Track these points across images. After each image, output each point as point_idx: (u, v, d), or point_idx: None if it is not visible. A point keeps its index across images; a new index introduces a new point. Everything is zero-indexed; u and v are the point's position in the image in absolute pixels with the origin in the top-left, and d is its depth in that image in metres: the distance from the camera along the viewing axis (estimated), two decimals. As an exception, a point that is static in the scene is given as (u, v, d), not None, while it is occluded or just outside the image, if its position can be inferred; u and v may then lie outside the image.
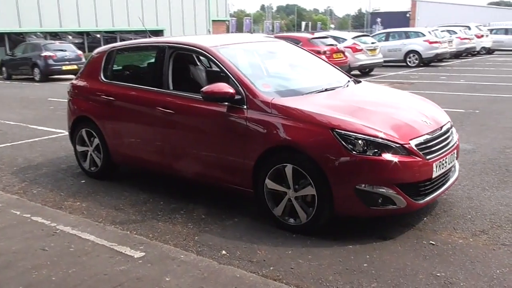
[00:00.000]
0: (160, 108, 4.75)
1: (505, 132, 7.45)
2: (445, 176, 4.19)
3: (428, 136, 3.98)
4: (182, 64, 5.40)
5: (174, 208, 4.70)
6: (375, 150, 3.70)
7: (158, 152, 4.94)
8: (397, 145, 3.74)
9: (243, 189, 4.32)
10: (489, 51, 27.43)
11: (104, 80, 5.52)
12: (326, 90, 4.59)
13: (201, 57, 5.68)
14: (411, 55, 19.99)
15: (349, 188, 3.73)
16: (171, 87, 4.84)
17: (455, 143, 4.34)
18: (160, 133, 4.85)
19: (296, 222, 4.03)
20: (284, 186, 4.04)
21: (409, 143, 3.79)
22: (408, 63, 20.06)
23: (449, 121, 4.48)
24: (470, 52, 25.29)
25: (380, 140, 3.72)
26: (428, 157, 3.84)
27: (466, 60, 23.55)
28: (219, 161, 4.44)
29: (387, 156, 3.69)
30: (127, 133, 5.23)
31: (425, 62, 20.06)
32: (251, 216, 4.41)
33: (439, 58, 20.63)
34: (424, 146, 3.88)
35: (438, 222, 4.17)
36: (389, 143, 3.73)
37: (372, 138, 3.72)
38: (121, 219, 4.47)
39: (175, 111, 4.65)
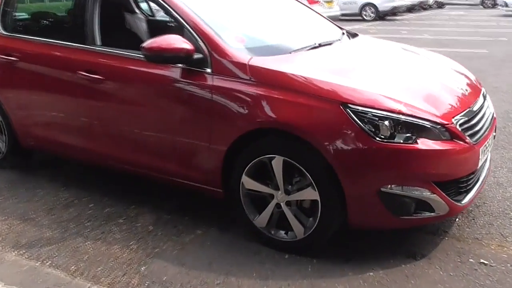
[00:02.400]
0: (83, 73, 3.29)
1: (497, 93, 6.49)
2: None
3: (469, 111, 2.81)
4: (115, 10, 3.91)
5: (110, 214, 3.34)
6: (408, 135, 2.49)
7: (82, 135, 3.50)
8: (438, 126, 2.54)
9: (209, 189, 3.02)
10: (440, 4, 26.97)
11: (3, 32, 3.94)
12: (320, 45, 3.29)
13: None
14: (367, 8, 18.91)
15: (370, 191, 2.52)
16: (98, 42, 3.38)
17: (493, 115, 3.20)
18: (84, 108, 3.41)
19: (288, 237, 2.80)
20: (270, 187, 2.79)
21: (453, 122, 2.60)
22: (364, 16, 18.99)
23: (482, 86, 3.33)
24: (422, 6, 24.63)
25: (415, 119, 2.51)
26: (473, 140, 2.68)
27: (420, 14, 22.80)
28: (172, 149, 3.09)
29: (425, 143, 2.49)
30: (38, 107, 3.73)
31: (381, 15, 19.09)
32: (222, 225, 3.14)
33: (394, 12, 19.72)
34: (467, 125, 2.71)
35: (475, 224, 3.08)
36: (428, 123, 2.52)
37: (404, 117, 2.50)
38: (29, 237, 3.07)
39: (104, 77, 3.22)
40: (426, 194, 2.54)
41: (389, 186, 2.50)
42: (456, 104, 2.80)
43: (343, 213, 2.61)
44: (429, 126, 2.52)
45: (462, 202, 2.70)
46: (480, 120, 2.85)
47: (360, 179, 2.52)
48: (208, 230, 3.09)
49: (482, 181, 2.95)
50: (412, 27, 16.26)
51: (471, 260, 2.70)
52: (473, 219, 3.13)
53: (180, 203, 3.44)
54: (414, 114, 2.52)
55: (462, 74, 3.31)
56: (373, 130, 2.47)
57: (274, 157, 2.68)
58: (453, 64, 3.54)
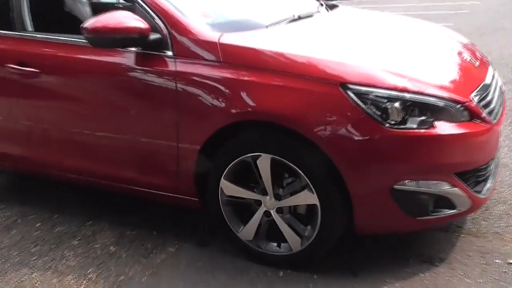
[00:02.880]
0: (13, 66, 2.67)
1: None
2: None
3: (484, 85, 2.38)
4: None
5: (61, 235, 2.76)
6: (422, 118, 2.03)
7: (18, 141, 2.88)
8: (456, 104, 2.09)
9: (181, 198, 2.49)
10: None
11: None
12: (300, 18, 2.78)
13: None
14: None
15: (381, 190, 2.06)
16: (29, 28, 2.76)
17: (501, 89, 2.79)
18: (18, 108, 2.78)
19: (282, 251, 2.31)
20: (256, 192, 2.29)
21: (471, 99, 2.16)
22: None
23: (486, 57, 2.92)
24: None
25: (429, 98, 2.05)
26: (493, 119, 2.25)
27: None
28: (131, 152, 2.53)
29: (443, 126, 2.04)
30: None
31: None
32: (199, 239, 2.62)
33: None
34: (485, 102, 2.27)
35: (491, 215, 2.68)
36: (443, 102, 2.07)
37: (415, 96, 2.04)
38: (-41, 274, 2.47)
39: (40, 69, 2.61)
40: (446, 188, 2.09)
41: (403, 182, 2.04)
42: (469, 78, 2.36)
43: (348, 217, 2.14)
44: (445, 105, 2.06)
45: (482, 194, 2.27)
46: (494, 95, 2.43)
47: (369, 176, 2.05)
48: (183, 246, 2.57)
49: (497, 168, 2.54)
50: (371, 5, 15.96)
51: (498, 260, 2.29)
52: (487, 210, 2.73)
53: (146, 215, 2.88)
54: (427, 92, 2.06)
55: (465, 44, 2.88)
56: (381, 114, 1.99)
57: (259, 155, 2.18)
58: (452, 33, 3.10)
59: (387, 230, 2.23)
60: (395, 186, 2.04)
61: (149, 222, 2.80)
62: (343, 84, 2.02)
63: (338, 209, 2.12)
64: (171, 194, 2.51)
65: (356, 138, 2.00)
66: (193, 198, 2.46)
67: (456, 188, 2.10)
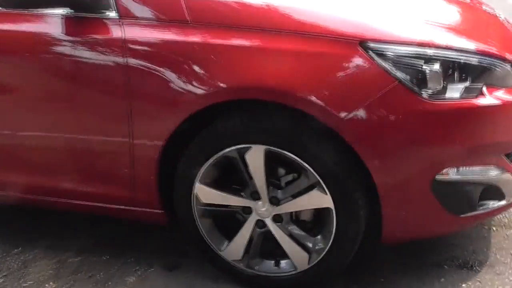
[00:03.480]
0: None
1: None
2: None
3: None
4: None
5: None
6: (467, 84, 1.51)
7: None
8: (506, 64, 1.60)
9: (140, 211, 1.86)
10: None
11: None
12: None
13: None
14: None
15: (418, 183, 1.53)
16: None
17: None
18: None
19: (283, 271, 1.75)
20: (244, 196, 1.71)
21: (515, 57, 1.67)
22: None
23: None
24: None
25: (474, 57, 1.54)
26: None
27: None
28: (68, 155, 1.86)
29: (495, 94, 1.54)
30: None
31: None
32: (167, 262, 2.00)
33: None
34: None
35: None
36: (491, 61, 1.57)
37: (458, 54, 1.52)
38: None
39: None
40: (495, 174, 1.60)
41: (445, 170, 1.53)
42: (507, 35, 1.89)
43: (373, 223, 1.61)
44: (493, 65, 1.56)
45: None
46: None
47: (403, 166, 1.52)
48: (147, 273, 1.94)
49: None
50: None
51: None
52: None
53: (94, 237, 2.22)
54: (472, 49, 1.54)
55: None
56: (416, 81, 1.46)
57: (248, 147, 1.59)
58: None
59: (423, 235, 1.72)
60: (437, 177, 1.52)
61: (99, 245, 2.13)
62: (363, 43, 1.47)
63: (359, 212, 1.58)
64: (125, 207, 1.87)
65: (385, 115, 1.46)
66: (156, 210, 1.84)
67: (508, 173, 1.61)
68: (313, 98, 1.47)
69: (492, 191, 1.63)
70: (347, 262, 1.68)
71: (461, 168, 1.54)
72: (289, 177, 1.66)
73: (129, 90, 1.67)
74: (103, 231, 2.22)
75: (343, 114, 1.46)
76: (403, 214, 1.58)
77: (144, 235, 2.16)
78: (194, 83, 1.57)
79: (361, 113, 1.46)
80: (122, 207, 1.86)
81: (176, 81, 1.59)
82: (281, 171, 1.69)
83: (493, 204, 1.65)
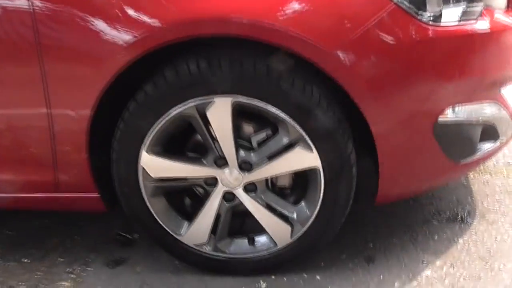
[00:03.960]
0: None
1: None
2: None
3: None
4: None
5: None
6: (463, 6, 1.27)
7: None
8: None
9: (67, 197, 1.44)
10: None
11: None
12: None
13: None
14: None
15: (420, 127, 1.28)
16: None
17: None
18: None
19: (260, 250, 1.44)
20: (206, 164, 1.36)
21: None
22: None
23: None
24: None
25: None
26: None
27: None
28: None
29: (496, 19, 1.31)
30: None
31: None
32: (110, 260, 1.60)
33: None
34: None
35: None
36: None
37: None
38: None
39: None
40: (493, 111, 1.39)
41: (448, 110, 1.29)
42: None
43: (371, 179, 1.35)
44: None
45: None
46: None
47: (403, 107, 1.25)
48: (83, 275, 1.54)
49: None
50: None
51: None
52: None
53: (7, 234, 1.75)
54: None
55: None
56: (413, 3, 1.19)
57: (211, 101, 1.24)
58: None
59: (422, 188, 1.48)
60: (439, 119, 1.28)
61: (15, 246, 1.68)
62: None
63: (351, 170, 1.30)
64: (47, 195, 1.45)
65: (381, 45, 1.18)
66: (90, 195, 1.43)
67: (504, 111, 1.42)
68: (295, 30, 1.14)
69: (488, 132, 1.42)
70: (336, 231, 1.40)
71: (463, 107, 1.31)
72: (261, 135, 1.33)
73: (39, 43, 1.24)
74: (18, 228, 1.76)
75: (332, 48, 1.16)
76: (402, 166, 1.33)
77: (74, 228, 1.74)
78: (120, 27, 1.18)
79: (353, 44, 1.16)
80: (43, 195, 1.43)
81: (95, 27, 1.19)
82: (249, 128, 1.36)
83: (489, 146, 1.45)
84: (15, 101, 1.32)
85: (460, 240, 1.54)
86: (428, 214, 1.68)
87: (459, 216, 1.65)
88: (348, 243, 1.57)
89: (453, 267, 1.43)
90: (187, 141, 1.42)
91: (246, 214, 1.47)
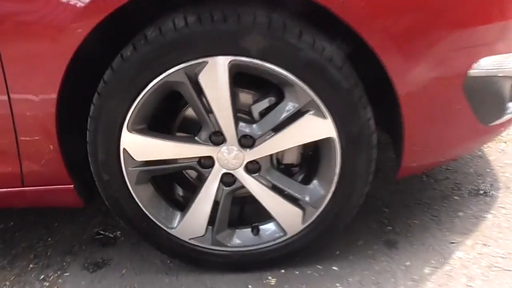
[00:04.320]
0: None
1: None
2: None
3: None
4: None
5: None
6: None
7: None
8: None
9: (36, 191, 1.21)
10: None
11: None
12: None
13: None
14: None
15: (451, 81, 1.09)
16: None
17: None
18: None
19: (266, 240, 1.23)
20: (199, 142, 1.14)
21: None
22: None
23: None
24: None
25: None
26: None
27: None
28: None
29: None
30: None
31: None
32: (88, 258, 1.38)
33: None
34: None
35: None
36: None
37: None
38: None
39: None
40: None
41: (480, 61, 1.11)
42: None
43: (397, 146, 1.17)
44: None
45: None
46: None
47: (431, 60, 1.06)
48: (59, 281, 1.31)
49: None
50: None
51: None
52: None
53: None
54: None
55: None
56: None
57: (204, 63, 1.03)
58: None
59: (448, 156, 1.30)
60: (470, 72, 1.09)
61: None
62: None
63: (370, 137, 1.11)
64: (11, 190, 1.21)
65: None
66: (62, 186, 1.21)
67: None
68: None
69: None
70: (354, 212, 1.21)
71: (494, 57, 1.13)
72: (264, 104, 1.13)
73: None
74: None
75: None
76: (430, 132, 1.14)
77: (46, 229, 1.51)
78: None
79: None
80: (11, 189, 1.20)
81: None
82: (247, 97, 1.16)
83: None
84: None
85: (488, 216, 1.37)
86: (446, 190, 1.50)
87: (481, 190, 1.48)
88: (362, 227, 1.38)
89: (487, 246, 1.26)
90: (174, 120, 1.21)
91: (245, 200, 1.29)
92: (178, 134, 1.21)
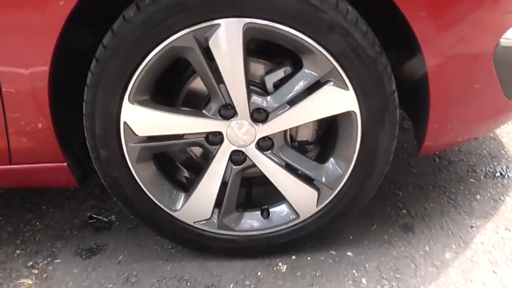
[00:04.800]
0: None
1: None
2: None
3: None
4: None
5: None
6: None
7: None
8: None
9: (25, 169, 1.10)
10: None
11: None
12: None
13: None
14: None
15: (482, 51, 1.01)
16: None
17: None
18: None
19: (278, 223, 1.14)
20: (208, 115, 1.04)
21: None
22: None
23: None
24: None
25: None
26: None
27: None
28: None
29: None
30: None
31: None
32: (81, 244, 1.27)
33: None
34: None
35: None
36: None
37: None
38: None
39: None
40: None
41: (510, 31, 1.03)
42: None
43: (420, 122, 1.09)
44: None
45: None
46: None
47: (460, 28, 0.97)
48: (49, 268, 1.20)
49: None
50: None
51: None
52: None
53: None
54: None
55: None
56: None
57: (216, 26, 0.93)
58: None
59: (470, 135, 1.21)
60: (502, 41, 1.01)
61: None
62: None
63: (395, 112, 1.03)
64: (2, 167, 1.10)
65: None
66: (54, 164, 1.10)
67: None
68: None
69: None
70: (373, 193, 1.12)
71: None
72: (279, 74, 1.03)
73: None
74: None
75: None
76: (457, 107, 1.06)
77: (33, 212, 1.40)
78: None
79: None
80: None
81: None
82: (259, 67, 1.06)
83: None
84: None
85: (508, 199, 1.30)
86: (462, 172, 1.43)
87: (498, 172, 1.42)
88: (376, 210, 1.30)
89: (509, 230, 1.19)
90: (178, 93, 1.11)
91: (252, 181, 1.19)
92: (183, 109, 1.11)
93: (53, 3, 0.91)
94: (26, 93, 1.00)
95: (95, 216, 1.36)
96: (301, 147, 1.13)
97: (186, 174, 1.22)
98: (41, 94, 0.99)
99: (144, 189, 1.09)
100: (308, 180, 1.10)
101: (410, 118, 1.22)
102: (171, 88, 1.11)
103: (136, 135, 1.03)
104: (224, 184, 1.10)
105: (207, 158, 1.11)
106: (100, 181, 1.10)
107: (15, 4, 0.93)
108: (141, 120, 1.02)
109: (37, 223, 1.36)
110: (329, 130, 1.13)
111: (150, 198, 1.10)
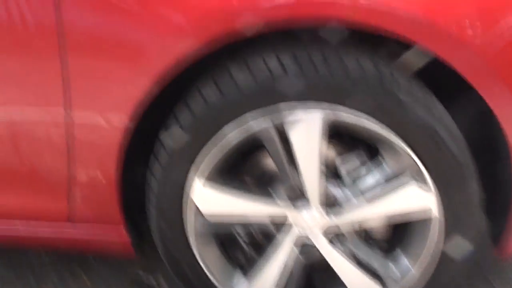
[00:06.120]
0: None
1: None
2: None
3: None
4: None
5: None
6: None
7: None
8: None
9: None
10: None
11: None
12: None
13: None
14: None
15: None
16: None
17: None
18: None
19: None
20: (278, 202, 0.99)
21: None
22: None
23: None
24: None
25: None
26: None
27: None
28: None
29: None
30: None
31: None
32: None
33: None
34: None
35: None
36: None
37: None
38: None
39: None
40: None
41: None
42: None
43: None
44: None
45: None
46: None
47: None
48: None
49: None
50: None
51: None
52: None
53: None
54: None
55: None
56: None
57: (295, 117, 0.89)
58: None
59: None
60: None
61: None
62: None
63: (479, 214, 0.96)
64: (59, 230, 1.08)
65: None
66: (120, 232, 1.06)
67: None
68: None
69: None
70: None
71: None
72: (353, 163, 0.98)
73: (61, 30, 0.88)
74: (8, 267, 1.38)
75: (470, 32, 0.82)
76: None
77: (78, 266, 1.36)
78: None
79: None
80: (55, 230, 1.06)
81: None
82: (332, 153, 1.01)
83: None
84: (28, 101, 0.96)
85: None
86: None
87: None
88: None
89: None
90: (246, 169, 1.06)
91: (314, 267, 1.11)
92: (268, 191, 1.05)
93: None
94: (104, 146, 0.96)
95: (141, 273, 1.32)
96: (373, 242, 1.06)
97: (244, 247, 1.16)
98: (111, 150, 0.95)
99: (206, 271, 1.04)
100: (373, 273, 1.03)
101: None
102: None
103: (203, 213, 0.98)
104: (284, 268, 1.04)
105: (269, 240, 1.05)
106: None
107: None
108: (210, 199, 0.97)
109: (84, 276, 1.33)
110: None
111: (210, 282, 1.05)
